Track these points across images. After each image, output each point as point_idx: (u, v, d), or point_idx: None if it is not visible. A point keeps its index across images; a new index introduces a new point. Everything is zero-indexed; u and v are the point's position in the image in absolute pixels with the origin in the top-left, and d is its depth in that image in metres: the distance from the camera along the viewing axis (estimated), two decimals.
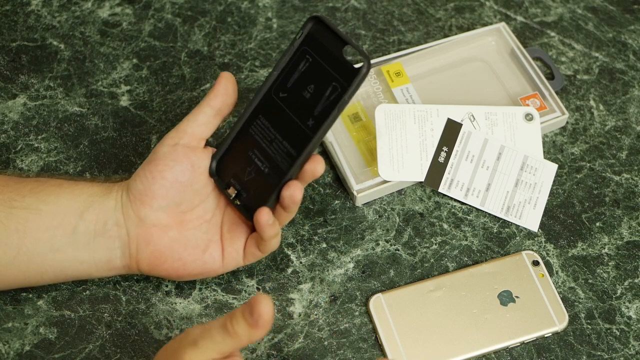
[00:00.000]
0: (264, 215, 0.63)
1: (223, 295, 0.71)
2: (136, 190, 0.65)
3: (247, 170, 0.67)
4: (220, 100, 0.67)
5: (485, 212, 0.77)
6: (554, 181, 0.78)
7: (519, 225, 0.76)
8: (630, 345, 0.70)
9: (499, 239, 0.75)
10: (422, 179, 0.77)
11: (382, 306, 0.70)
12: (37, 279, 0.66)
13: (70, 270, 0.66)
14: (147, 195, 0.65)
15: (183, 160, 0.65)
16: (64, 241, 0.65)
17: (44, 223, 0.64)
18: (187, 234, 0.67)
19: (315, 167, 0.65)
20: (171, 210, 0.66)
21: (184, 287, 0.72)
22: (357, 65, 0.63)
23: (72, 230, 0.65)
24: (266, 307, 0.54)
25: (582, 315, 0.71)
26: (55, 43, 0.85)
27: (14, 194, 0.65)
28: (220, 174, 0.68)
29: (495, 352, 0.69)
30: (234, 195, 0.67)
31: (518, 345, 0.70)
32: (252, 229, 0.68)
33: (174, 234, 0.66)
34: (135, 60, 0.84)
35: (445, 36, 0.87)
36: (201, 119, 0.66)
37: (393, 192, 0.78)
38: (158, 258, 0.66)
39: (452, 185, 0.77)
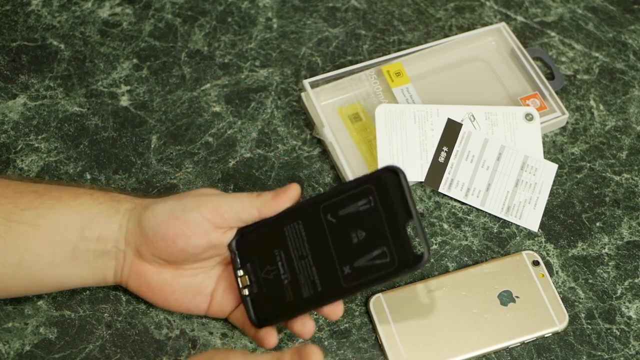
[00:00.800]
0: (272, 340, 0.64)
1: None
2: (144, 230, 0.64)
3: (267, 269, 0.64)
4: (273, 212, 0.65)
5: (486, 212, 0.77)
6: (554, 181, 0.78)
7: (519, 225, 0.76)
8: (630, 345, 0.70)
9: (499, 239, 0.75)
10: (422, 179, 0.77)
11: (382, 306, 0.70)
12: (37, 290, 0.67)
13: (71, 283, 0.66)
14: (151, 242, 0.64)
15: (202, 237, 0.63)
16: (65, 258, 0.64)
17: (43, 239, 0.64)
18: (181, 281, 0.66)
19: (335, 311, 0.64)
20: (170, 263, 0.65)
21: None
22: (417, 252, 0.59)
23: (72, 248, 0.64)
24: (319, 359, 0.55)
25: (582, 315, 0.71)
26: (55, 43, 0.85)
27: (12, 206, 0.64)
28: (236, 252, 0.65)
29: (496, 352, 0.69)
30: (245, 285, 0.65)
31: (518, 345, 0.70)
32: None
33: (167, 277, 0.66)
34: (135, 60, 0.84)
35: (446, 36, 0.87)
36: (244, 217, 0.64)
37: None
38: (145, 292, 0.67)
39: (452, 185, 0.77)
